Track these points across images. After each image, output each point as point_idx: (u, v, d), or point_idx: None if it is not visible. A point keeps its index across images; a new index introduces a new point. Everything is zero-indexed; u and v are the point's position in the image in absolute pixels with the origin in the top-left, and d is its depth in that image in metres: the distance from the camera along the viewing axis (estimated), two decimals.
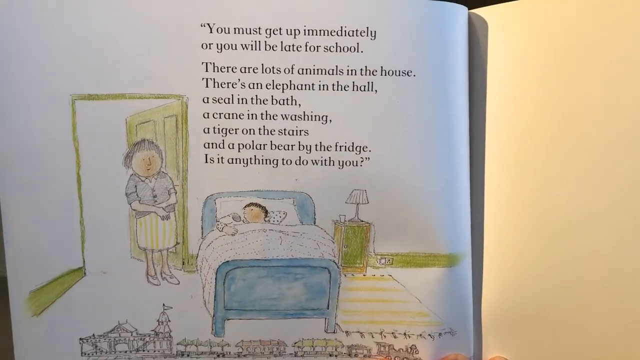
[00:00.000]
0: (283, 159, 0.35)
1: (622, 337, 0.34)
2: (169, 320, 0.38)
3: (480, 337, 0.38)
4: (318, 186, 0.36)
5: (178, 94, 0.35)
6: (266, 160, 0.36)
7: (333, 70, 0.34)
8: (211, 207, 0.36)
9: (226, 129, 0.35)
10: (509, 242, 0.37)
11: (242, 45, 0.34)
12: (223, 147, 0.35)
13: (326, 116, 0.35)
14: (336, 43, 0.34)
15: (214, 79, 0.34)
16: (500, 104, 0.36)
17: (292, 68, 0.34)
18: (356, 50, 0.34)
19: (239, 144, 0.35)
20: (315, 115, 0.35)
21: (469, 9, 0.36)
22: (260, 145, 0.35)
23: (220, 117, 0.35)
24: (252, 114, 0.35)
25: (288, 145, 0.35)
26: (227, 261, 0.37)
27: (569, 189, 0.35)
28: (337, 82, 0.35)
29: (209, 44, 0.34)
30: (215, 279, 0.37)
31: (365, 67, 0.34)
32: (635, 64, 0.33)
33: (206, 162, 0.35)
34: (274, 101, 0.35)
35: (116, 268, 0.37)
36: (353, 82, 0.35)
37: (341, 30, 0.34)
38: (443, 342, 0.38)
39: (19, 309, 0.36)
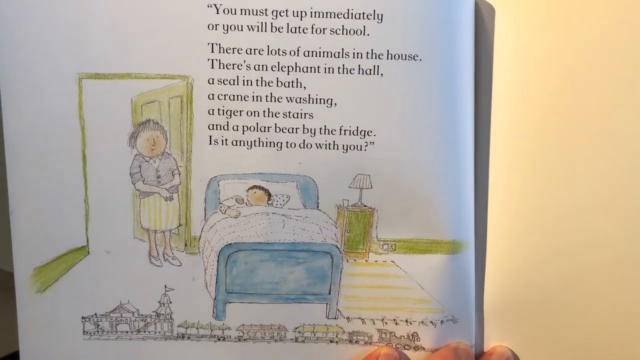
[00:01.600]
0: (287, 142, 0.35)
1: (625, 326, 0.34)
2: (171, 302, 0.38)
3: (482, 326, 0.38)
4: (322, 170, 0.36)
5: (184, 74, 0.35)
6: (270, 142, 0.35)
7: (339, 53, 0.34)
8: (214, 189, 0.36)
9: (231, 110, 0.35)
10: (512, 230, 0.36)
11: (248, 26, 0.34)
12: (227, 129, 0.35)
13: (331, 99, 0.35)
14: (342, 26, 0.34)
15: (219, 60, 0.34)
16: (506, 90, 0.36)
17: (298, 50, 0.34)
18: (362, 33, 0.34)
19: (243, 126, 0.35)
20: (320, 99, 0.35)
21: None
22: (265, 127, 0.35)
23: (225, 99, 0.35)
24: (257, 96, 0.35)
25: (292, 128, 0.35)
26: (230, 244, 0.37)
27: (573, 176, 0.35)
28: (343, 65, 0.34)
29: (216, 25, 0.34)
30: (217, 261, 0.37)
31: (372, 50, 0.34)
32: None
33: (210, 143, 0.36)
34: (279, 83, 0.35)
35: (119, 248, 0.37)
36: (359, 66, 0.34)
37: (348, 13, 0.34)
38: (445, 329, 0.37)
39: (23, 285, 0.36)
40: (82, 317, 0.38)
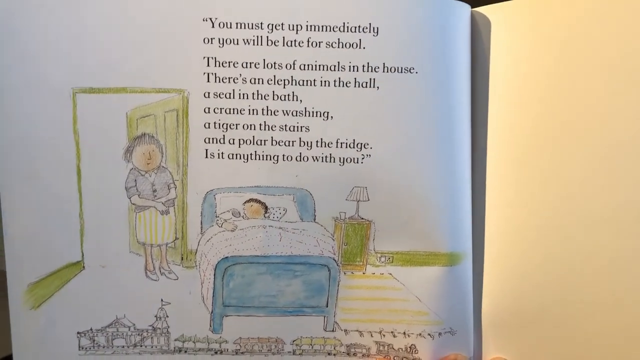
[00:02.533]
0: (284, 155, 0.35)
1: (622, 339, 0.34)
2: (167, 316, 0.37)
3: (480, 338, 0.38)
4: (318, 183, 0.36)
5: (179, 88, 0.34)
6: (267, 156, 0.35)
7: (335, 66, 0.34)
8: (211, 202, 0.36)
9: (227, 124, 0.35)
10: (510, 242, 0.36)
11: (244, 40, 0.34)
12: (224, 142, 0.35)
13: (327, 112, 0.35)
14: (338, 39, 0.34)
15: (215, 73, 0.34)
16: (503, 102, 0.36)
17: (294, 64, 0.34)
18: (358, 46, 0.34)
19: (239, 140, 0.35)
20: (317, 112, 0.35)
21: (471, 7, 0.36)
22: (261, 141, 0.35)
23: (221, 112, 0.35)
24: (253, 110, 0.35)
25: (289, 142, 0.35)
26: (226, 257, 0.36)
27: (570, 189, 0.35)
28: (339, 78, 0.34)
29: (211, 39, 0.34)
30: (214, 275, 0.37)
31: (367, 63, 0.34)
32: (638, 63, 0.33)
33: (206, 157, 0.35)
34: (275, 97, 0.35)
35: (115, 262, 0.37)
36: (355, 79, 0.34)
37: (343, 26, 0.34)
38: (443, 341, 0.37)
39: (17, 302, 0.36)
40: (78, 333, 0.37)
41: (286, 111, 0.35)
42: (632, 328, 0.33)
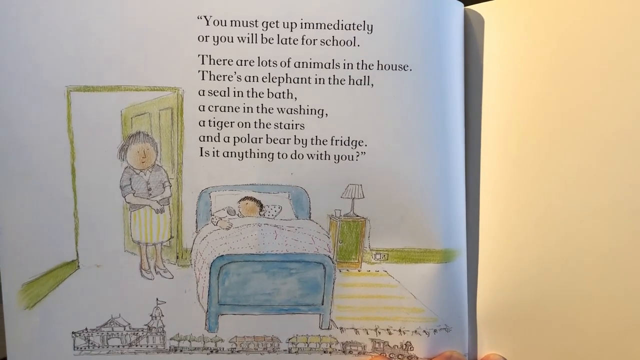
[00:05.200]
0: (279, 153, 0.35)
1: (617, 335, 0.34)
2: (162, 315, 0.37)
3: (475, 334, 0.38)
4: (313, 180, 0.36)
5: (174, 86, 0.34)
6: (262, 154, 0.35)
7: (329, 63, 0.34)
8: (206, 200, 0.36)
9: (222, 122, 0.35)
10: (504, 239, 0.37)
11: (238, 37, 0.34)
12: (218, 140, 0.35)
13: (322, 110, 0.35)
14: (333, 36, 0.34)
15: (210, 71, 0.34)
16: (496, 99, 0.36)
17: (289, 61, 0.34)
18: (353, 44, 0.34)
19: (234, 137, 0.35)
20: (311, 109, 0.35)
21: (465, 5, 0.36)
22: (256, 138, 0.35)
23: (216, 110, 0.35)
24: (247, 107, 0.35)
25: (284, 139, 0.35)
26: (222, 255, 0.36)
27: (565, 185, 0.35)
28: (334, 75, 0.35)
29: (206, 37, 0.34)
30: (210, 273, 0.37)
31: (362, 61, 0.34)
32: (632, 60, 0.33)
33: (201, 155, 0.35)
34: (270, 94, 0.35)
35: (110, 261, 0.36)
36: (349, 76, 0.35)
37: (338, 24, 0.34)
38: (438, 338, 0.38)
39: (11, 302, 0.36)
40: (73, 332, 0.37)
41: (281, 109, 0.35)
42: (627, 323, 0.34)
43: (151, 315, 0.37)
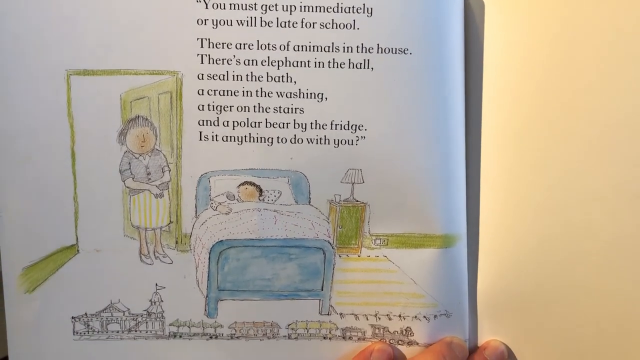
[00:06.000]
0: (278, 137, 0.35)
1: (616, 318, 0.34)
2: (162, 301, 0.37)
3: (475, 320, 0.38)
4: (313, 165, 0.36)
5: (173, 70, 0.34)
6: (261, 138, 0.35)
7: (329, 47, 0.34)
8: (205, 185, 0.36)
9: (221, 106, 0.35)
10: (504, 224, 0.36)
11: (237, 21, 0.34)
12: (217, 125, 0.35)
13: (322, 94, 0.35)
14: (332, 20, 0.34)
15: (209, 55, 0.34)
16: (497, 84, 0.36)
17: (288, 45, 0.34)
18: (352, 27, 0.34)
19: (233, 122, 0.35)
20: (311, 93, 0.35)
21: None
22: (255, 123, 0.35)
23: (215, 94, 0.35)
24: (247, 91, 0.35)
25: (283, 124, 0.35)
26: (221, 240, 0.36)
27: (566, 170, 0.35)
28: (333, 59, 0.34)
29: (205, 20, 0.34)
30: (209, 258, 0.37)
31: (362, 44, 0.34)
32: (634, 50, 0.33)
33: (200, 139, 0.35)
34: (269, 78, 0.35)
35: (109, 246, 0.36)
36: (349, 60, 0.34)
37: (337, 7, 0.34)
38: (438, 324, 0.37)
39: (12, 285, 0.36)
40: (72, 317, 0.37)
41: (280, 93, 0.35)
42: (627, 308, 0.33)
43: (150, 301, 0.37)
